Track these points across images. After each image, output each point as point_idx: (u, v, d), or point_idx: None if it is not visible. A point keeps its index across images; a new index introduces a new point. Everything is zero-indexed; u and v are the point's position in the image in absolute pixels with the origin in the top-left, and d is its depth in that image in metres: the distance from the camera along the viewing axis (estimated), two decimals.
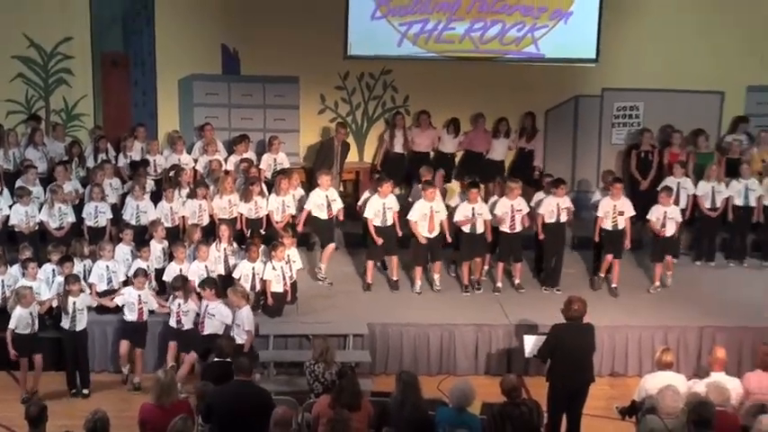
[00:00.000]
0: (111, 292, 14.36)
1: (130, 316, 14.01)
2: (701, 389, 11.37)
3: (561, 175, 17.23)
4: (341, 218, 16.19)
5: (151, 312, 14.19)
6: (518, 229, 15.80)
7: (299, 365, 13.06)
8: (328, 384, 11.62)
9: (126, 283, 14.45)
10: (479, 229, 15.66)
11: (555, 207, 15.87)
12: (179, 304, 13.91)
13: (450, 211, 15.86)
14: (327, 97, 18.37)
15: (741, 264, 17.33)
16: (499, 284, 15.95)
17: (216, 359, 11.92)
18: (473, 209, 15.64)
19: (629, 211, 16.03)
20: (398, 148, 17.94)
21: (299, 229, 15.87)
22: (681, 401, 11.04)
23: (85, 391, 13.81)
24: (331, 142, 17.61)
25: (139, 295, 14.00)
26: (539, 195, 16.39)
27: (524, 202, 15.93)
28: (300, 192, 16.43)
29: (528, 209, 15.94)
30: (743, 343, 14.66)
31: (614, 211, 15.89)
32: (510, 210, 15.73)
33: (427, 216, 15.55)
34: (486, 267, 16.19)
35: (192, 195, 15.94)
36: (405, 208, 15.97)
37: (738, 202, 17.09)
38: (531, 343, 13.65)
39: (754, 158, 17.79)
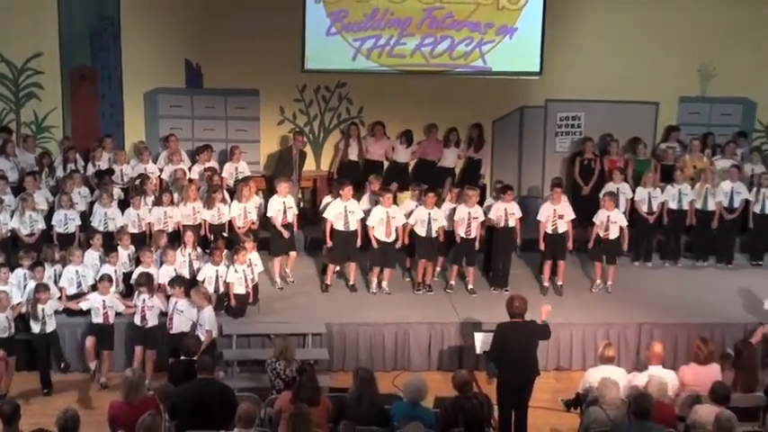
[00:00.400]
0: (80, 296, 14.22)
1: (96, 319, 13.88)
2: (641, 381, 11.47)
3: (509, 181, 17.31)
4: (295, 226, 16.02)
5: (119, 315, 14.08)
6: (474, 234, 15.81)
7: (261, 363, 12.96)
8: (289, 381, 11.57)
9: (95, 287, 14.32)
10: (434, 233, 15.69)
11: (503, 212, 15.90)
12: (144, 299, 13.84)
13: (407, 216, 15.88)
14: (286, 109, 18.33)
15: (675, 264, 17.47)
16: (452, 282, 15.94)
17: (183, 357, 11.86)
18: (429, 214, 15.67)
19: (569, 214, 16.06)
20: (353, 156, 17.94)
21: (286, 235, 15.76)
22: (621, 393, 11.17)
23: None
24: (289, 151, 17.57)
25: (104, 300, 13.86)
26: (489, 201, 16.43)
27: (480, 210, 15.94)
28: (259, 199, 16.38)
29: (483, 216, 15.95)
30: (678, 338, 14.76)
31: (554, 214, 15.91)
32: (467, 216, 15.72)
33: (384, 221, 15.56)
34: (438, 269, 16.20)
35: (157, 203, 15.85)
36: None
37: (673, 205, 17.19)
38: (481, 340, 13.69)
39: (686, 165, 17.90)
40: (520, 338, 12.10)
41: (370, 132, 18.07)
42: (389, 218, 15.56)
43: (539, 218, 16.07)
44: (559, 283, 16.06)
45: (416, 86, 17.98)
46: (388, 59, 17.78)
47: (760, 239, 17.60)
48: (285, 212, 15.75)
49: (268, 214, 15.79)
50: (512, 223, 15.92)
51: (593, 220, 16.26)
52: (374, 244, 15.59)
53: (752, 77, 18.86)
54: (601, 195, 16.75)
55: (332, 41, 17.68)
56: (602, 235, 16.11)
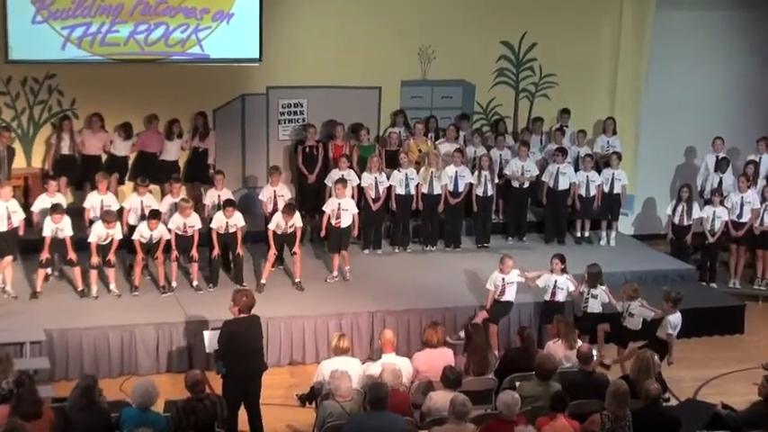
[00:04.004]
0: None
1: None
2: (375, 371, 11.66)
3: (231, 171, 17.40)
4: (21, 231, 15.40)
5: None
6: (190, 233, 15.63)
7: None
8: (6, 394, 11.13)
9: None
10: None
11: (216, 198, 16.04)
12: None
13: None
14: None
15: (405, 250, 17.86)
16: (174, 284, 15.70)
17: None
18: (141, 201, 15.70)
19: (287, 194, 16.36)
20: (66, 150, 17.34)
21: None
22: (356, 384, 11.35)
23: None
24: None
25: None
26: (211, 192, 16.39)
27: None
28: None
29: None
30: (411, 324, 15.08)
31: (275, 195, 16.25)
32: (175, 207, 15.68)
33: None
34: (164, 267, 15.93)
35: None
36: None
37: (400, 190, 17.52)
38: (210, 338, 13.59)
39: (411, 149, 18.28)
40: (248, 333, 12.02)
41: (86, 125, 17.61)
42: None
43: (260, 197, 16.44)
44: (297, 279, 15.98)
45: (133, 76, 17.64)
46: (100, 48, 17.37)
47: (484, 222, 18.23)
48: (10, 217, 15.14)
49: None
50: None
51: (324, 208, 16.45)
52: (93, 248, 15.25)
53: (468, 60, 19.50)
54: (330, 183, 16.99)
55: (38, 30, 17.10)
56: (333, 223, 16.24)
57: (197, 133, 18.09)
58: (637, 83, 20.32)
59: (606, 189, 18.54)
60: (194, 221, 15.64)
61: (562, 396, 10.75)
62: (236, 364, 11.97)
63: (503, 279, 14.88)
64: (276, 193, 16.35)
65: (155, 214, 15.38)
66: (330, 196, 16.78)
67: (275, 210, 16.04)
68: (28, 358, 13.71)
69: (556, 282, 14.85)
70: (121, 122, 17.68)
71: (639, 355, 11.91)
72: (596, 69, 20.23)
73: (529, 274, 15.07)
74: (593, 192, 18.48)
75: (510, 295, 15.01)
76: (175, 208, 15.74)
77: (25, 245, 15.97)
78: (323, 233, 16.53)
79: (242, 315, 12.09)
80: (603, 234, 18.81)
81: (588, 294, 14.65)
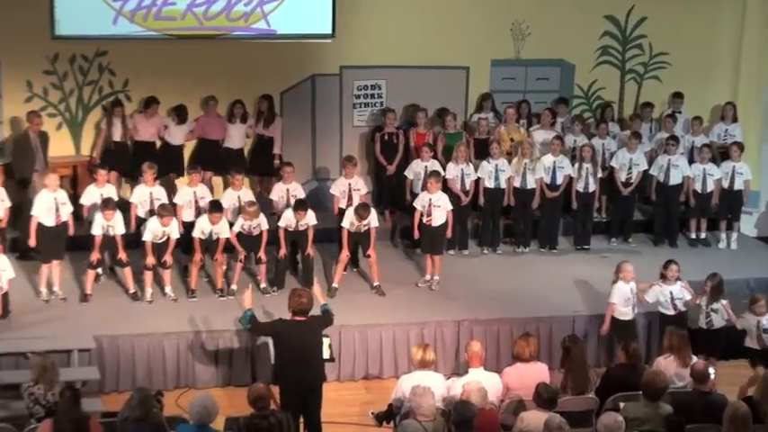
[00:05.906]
0: None
1: None
2: (461, 387, 11.71)
3: (300, 162, 17.55)
4: (71, 227, 15.59)
5: None
6: (256, 232, 15.77)
7: (16, 387, 12.66)
8: (51, 407, 11.38)
9: None
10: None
11: (285, 193, 16.22)
12: None
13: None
14: (35, 83, 17.91)
15: (495, 251, 17.91)
16: (234, 287, 15.81)
17: None
18: (194, 193, 15.96)
19: (363, 188, 16.53)
20: (117, 137, 17.61)
21: (31, 243, 15.33)
22: (439, 401, 11.42)
23: None
24: (26, 135, 17.03)
25: None
26: (278, 186, 16.57)
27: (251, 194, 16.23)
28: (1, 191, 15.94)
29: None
30: (501, 335, 15.09)
31: (349, 189, 16.34)
32: (237, 201, 15.90)
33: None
34: (224, 268, 16.08)
35: None
36: None
37: (489, 184, 17.53)
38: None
39: (502, 137, 18.31)
40: (301, 338, 12.09)
41: (140, 109, 17.89)
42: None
43: (332, 191, 16.59)
44: (376, 283, 16.10)
45: (190, 54, 17.92)
46: (155, 23, 17.61)
47: (584, 221, 18.20)
48: (58, 210, 15.33)
49: (33, 212, 15.28)
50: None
51: (414, 204, 16.47)
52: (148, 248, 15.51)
53: (567, 36, 19.50)
54: (410, 176, 17.17)
55: (87, 2, 17.41)
56: (425, 221, 16.25)
57: (261, 119, 18.25)
58: (764, 62, 20.12)
59: (726, 184, 18.36)
60: (260, 221, 15.76)
61: (678, 421, 10.67)
62: (289, 372, 12.06)
63: (631, 290, 14.60)
64: (351, 186, 16.43)
65: (217, 206, 15.53)
66: (410, 191, 16.86)
67: (350, 205, 16.14)
68: (76, 367, 13.97)
69: (671, 293, 14.64)
70: (175, 105, 17.93)
71: (766, 375, 11.83)
72: (715, 47, 20.10)
73: (640, 286, 14.82)
74: (710, 187, 18.33)
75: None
76: (239, 202, 15.92)
77: (74, 242, 16.24)
78: (416, 234, 16.49)
79: (296, 318, 12.21)
80: (723, 236, 18.66)
81: (708, 309, 14.50)
